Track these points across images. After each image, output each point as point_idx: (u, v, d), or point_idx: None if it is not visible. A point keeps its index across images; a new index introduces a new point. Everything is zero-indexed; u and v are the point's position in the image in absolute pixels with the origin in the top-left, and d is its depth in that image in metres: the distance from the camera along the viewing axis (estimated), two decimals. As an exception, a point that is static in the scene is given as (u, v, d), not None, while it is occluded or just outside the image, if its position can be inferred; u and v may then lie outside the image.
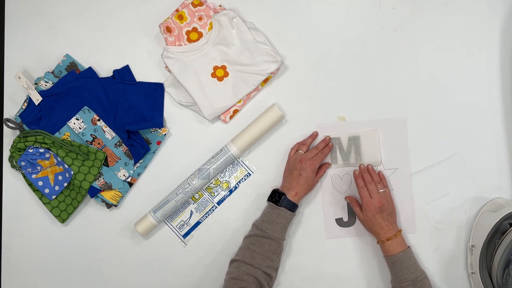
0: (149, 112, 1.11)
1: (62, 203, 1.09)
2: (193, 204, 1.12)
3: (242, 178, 1.12)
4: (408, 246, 1.02)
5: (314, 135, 1.10)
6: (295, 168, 1.04)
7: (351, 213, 1.10)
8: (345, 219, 1.10)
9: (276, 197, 1.04)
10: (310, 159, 1.05)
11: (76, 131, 1.09)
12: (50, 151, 1.08)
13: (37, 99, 1.07)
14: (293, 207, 1.04)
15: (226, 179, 1.12)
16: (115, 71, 1.12)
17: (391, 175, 1.10)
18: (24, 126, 1.10)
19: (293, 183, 1.04)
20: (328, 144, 1.09)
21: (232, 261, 1.02)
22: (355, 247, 1.10)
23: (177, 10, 1.10)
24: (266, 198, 1.07)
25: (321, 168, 1.08)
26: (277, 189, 1.06)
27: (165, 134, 1.11)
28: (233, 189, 1.12)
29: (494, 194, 1.09)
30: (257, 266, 0.99)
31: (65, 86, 1.09)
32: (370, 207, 1.02)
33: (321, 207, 1.11)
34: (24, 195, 1.13)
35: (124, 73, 1.12)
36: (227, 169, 1.12)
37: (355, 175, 1.07)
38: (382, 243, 1.02)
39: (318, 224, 1.10)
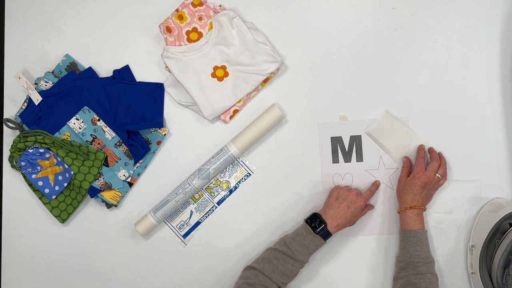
0: (149, 112, 1.11)
1: (62, 203, 1.09)
2: (193, 204, 1.12)
3: (242, 178, 1.12)
4: (426, 230, 1.03)
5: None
6: (344, 199, 1.02)
7: None
8: (345, 219, 1.10)
9: (316, 223, 1.01)
10: (360, 194, 1.04)
11: (76, 131, 1.09)
12: (50, 151, 1.08)
13: (37, 99, 1.07)
14: (327, 236, 1.01)
15: (226, 179, 1.12)
16: (115, 71, 1.12)
17: (391, 175, 1.10)
18: (24, 126, 1.10)
19: (338, 214, 1.01)
20: (375, 182, 1.09)
21: (250, 268, 1.00)
22: (356, 247, 1.10)
23: (177, 10, 1.10)
24: (267, 199, 1.07)
25: (367, 207, 1.07)
26: (319, 214, 1.02)
27: (165, 134, 1.11)
28: (233, 189, 1.12)
29: (494, 194, 1.09)
30: (275, 280, 0.97)
31: (65, 86, 1.09)
32: (420, 177, 1.02)
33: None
34: (24, 195, 1.13)
35: (124, 73, 1.12)
36: (227, 169, 1.12)
37: (420, 146, 1.07)
38: (404, 210, 1.02)
39: (318, 224, 1.10)
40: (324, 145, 1.11)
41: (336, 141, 1.11)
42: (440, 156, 1.07)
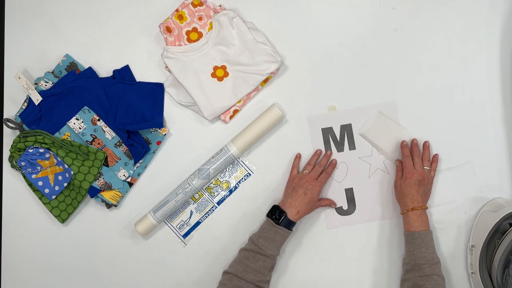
0: (149, 112, 1.11)
1: (62, 203, 1.09)
2: (193, 204, 1.12)
3: (242, 178, 1.12)
4: (431, 230, 1.02)
5: (318, 153, 1.09)
6: (300, 187, 1.03)
7: (351, 201, 1.10)
8: (345, 207, 1.10)
9: (276, 214, 1.02)
10: (316, 179, 1.04)
11: (76, 131, 1.09)
12: (50, 151, 1.08)
13: (37, 99, 1.07)
14: (291, 225, 1.03)
15: (226, 179, 1.12)
16: (115, 71, 1.12)
17: (386, 160, 1.10)
18: (24, 126, 1.10)
19: (296, 201, 1.02)
20: (331, 162, 1.09)
21: (225, 273, 1.01)
22: (358, 235, 1.10)
23: (177, 10, 1.10)
24: (267, 199, 1.07)
25: (326, 200, 1.08)
26: (277, 205, 1.04)
27: (165, 134, 1.11)
28: (233, 189, 1.12)
29: (494, 194, 1.09)
30: (250, 280, 0.98)
31: (65, 86, 1.09)
32: (412, 177, 1.02)
33: (320, 201, 1.11)
34: (24, 195, 1.13)
35: (124, 73, 1.12)
36: (227, 169, 1.12)
37: (402, 144, 1.07)
38: (406, 212, 1.02)
39: (318, 214, 1.10)
40: (316, 137, 1.11)
41: (327, 132, 1.11)
42: (424, 147, 1.07)
